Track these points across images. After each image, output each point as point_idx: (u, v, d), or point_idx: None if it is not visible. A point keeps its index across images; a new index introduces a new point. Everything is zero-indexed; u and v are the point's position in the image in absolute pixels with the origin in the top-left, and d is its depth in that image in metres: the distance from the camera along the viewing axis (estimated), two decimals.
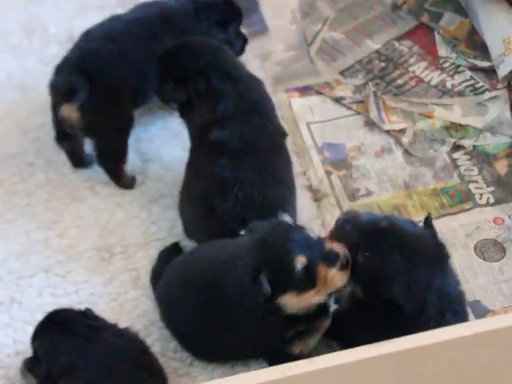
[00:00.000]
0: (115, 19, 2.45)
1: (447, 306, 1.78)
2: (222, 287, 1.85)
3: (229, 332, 1.89)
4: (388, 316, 1.75)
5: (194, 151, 2.19)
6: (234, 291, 1.83)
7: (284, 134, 2.23)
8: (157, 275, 2.12)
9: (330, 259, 1.74)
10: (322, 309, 1.82)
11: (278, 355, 1.83)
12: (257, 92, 2.24)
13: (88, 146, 2.38)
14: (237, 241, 1.90)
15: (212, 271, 1.90)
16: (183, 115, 2.22)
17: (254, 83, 2.25)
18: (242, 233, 1.90)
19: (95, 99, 2.27)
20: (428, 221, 1.83)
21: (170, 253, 2.17)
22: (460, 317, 1.81)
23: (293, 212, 2.13)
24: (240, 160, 2.10)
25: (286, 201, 2.14)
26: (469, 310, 1.93)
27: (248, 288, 1.76)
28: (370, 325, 1.77)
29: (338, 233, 1.78)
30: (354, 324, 1.82)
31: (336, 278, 1.74)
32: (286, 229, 1.79)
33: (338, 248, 1.74)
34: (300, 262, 1.73)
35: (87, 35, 2.40)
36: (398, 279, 1.72)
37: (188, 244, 2.20)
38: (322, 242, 1.76)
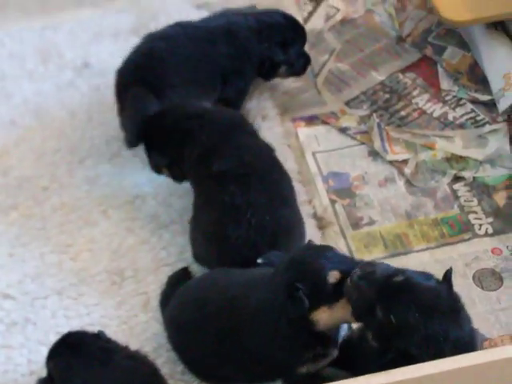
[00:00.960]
0: (179, 25, 2.55)
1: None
2: (241, 311, 1.91)
3: (242, 357, 1.94)
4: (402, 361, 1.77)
5: (198, 186, 2.26)
6: (257, 314, 1.88)
7: (274, 149, 2.32)
8: (166, 299, 2.17)
9: (363, 272, 1.80)
10: (333, 335, 1.90)
11: (287, 376, 1.91)
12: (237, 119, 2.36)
13: None
14: (253, 270, 1.98)
15: (228, 297, 1.95)
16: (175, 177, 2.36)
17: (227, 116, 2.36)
18: (259, 261, 1.96)
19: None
20: (447, 275, 1.85)
21: (179, 277, 2.22)
22: None
23: (303, 234, 2.21)
24: (247, 184, 2.17)
25: (295, 224, 2.21)
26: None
27: (282, 306, 1.83)
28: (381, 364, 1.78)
29: (354, 289, 1.80)
30: (366, 361, 1.85)
31: None
32: (318, 248, 1.90)
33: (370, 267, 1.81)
34: (334, 276, 1.80)
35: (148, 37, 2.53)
36: (414, 334, 1.75)
37: (197, 269, 2.26)
38: (353, 259, 1.87)
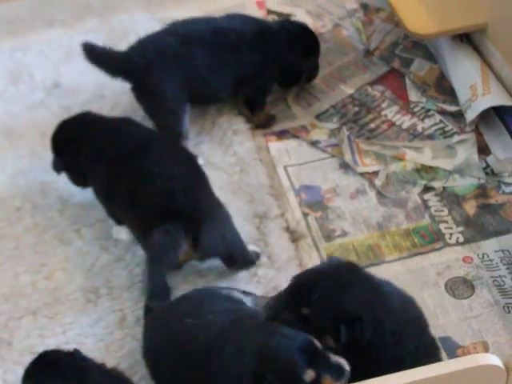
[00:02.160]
0: (204, 21, 2.60)
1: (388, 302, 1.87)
2: (211, 368, 1.86)
3: None
4: (359, 341, 1.82)
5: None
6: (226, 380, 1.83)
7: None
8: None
9: (338, 373, 1.74)
10: None
11: None
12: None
13: None
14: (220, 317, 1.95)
15: (199, 347, 1.90)
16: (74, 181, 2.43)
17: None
18: None
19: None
20: None
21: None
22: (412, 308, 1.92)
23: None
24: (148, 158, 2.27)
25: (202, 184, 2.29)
26: (440, 346, 1.98)
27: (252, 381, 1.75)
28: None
29: (274, 317, 1.86)
30: None
31: None
32: (291, 334, 1.77)
33: (341, 360, 1.76)
34: (309, 375, 1.72)
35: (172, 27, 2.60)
36: (341, 298, 1.83)
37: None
38: (327, 353, 1.76)
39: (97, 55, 2.50)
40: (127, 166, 2.27)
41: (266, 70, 2.62)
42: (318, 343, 1.76)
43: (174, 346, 1.97)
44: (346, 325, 1.80)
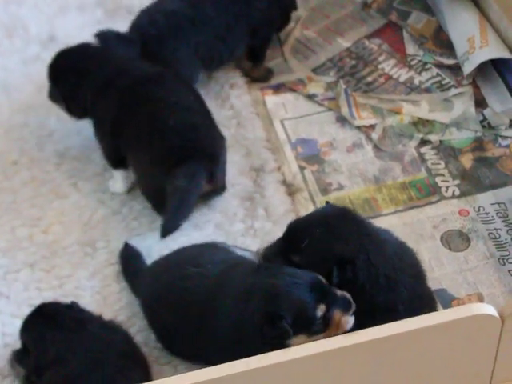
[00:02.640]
0: None
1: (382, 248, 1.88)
2: (215, 310, 1.89)
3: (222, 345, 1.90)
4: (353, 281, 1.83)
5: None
6: (234, 323, 1.84)
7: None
8: (129, 273, 2.20)
9: (346, 306, 1.78)
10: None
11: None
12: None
13: None
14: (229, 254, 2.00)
15: (202, 292, 1.93)
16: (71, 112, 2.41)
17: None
18: None
19: None
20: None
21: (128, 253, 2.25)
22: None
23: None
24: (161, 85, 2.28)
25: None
26: (436, 298, 2.01)
27: (264, 328, 1.77)
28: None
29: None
30: None
31: (347, 321, 1.77)
32: (297, 273, 1.81)
33: (348, 295, 1.79)
34: (321, 310, 1.76)
35: None
36: (331, 242, 1.83)
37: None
38: (333, 289, 1.79)
39: (112, 42, 2.45)
40: (141, 97, 2.25)
41: (273, 16, 2.60)
42: (323, 280, 1.79)
43: (175, 292, 1.98)
44: (338, 267, 1.81)
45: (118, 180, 2.37)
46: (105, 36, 2.45)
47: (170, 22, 2.47)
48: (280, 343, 1.74)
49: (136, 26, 2.50)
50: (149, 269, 2.15)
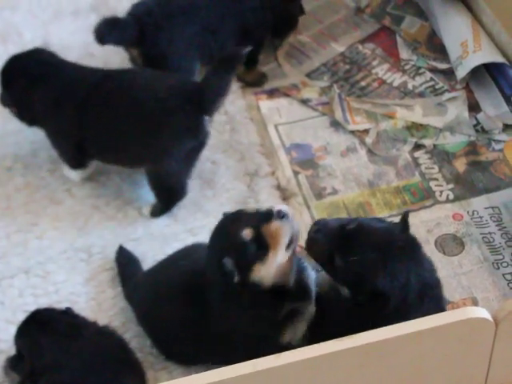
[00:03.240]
0: None
1: (426, 292, 1.83)
2: (205, 292, 1.92)
3: (220, 340, 1.93)
4: (374, 310, 1.80)
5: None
6: (214, 290, 1.89)
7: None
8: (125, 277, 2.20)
9: (267, 217, 1.82)
10: (302, 288, 1.90)
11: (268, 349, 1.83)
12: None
13: None
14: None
15: (188, 285, 1.97)
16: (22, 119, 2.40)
17: None
18: None
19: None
20: (404, 217, 1.88)
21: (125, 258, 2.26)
22: (437, 301, 1.87)
23: None
24: None
25: None
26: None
27: (222, 279, 1.83)
28: (355, 320, 1.80)
29: (312, 243, 1.85)
30: (340, 321, 1.87)
31: (279, 228, 1.81)
32: (229, 215, 1.89)
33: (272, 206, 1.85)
34: (246, 235, 1.81)
35: None
36: (379, 273, 1.78)
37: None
38: (259, 210, 1.85)
39: (109, 36, 2.42)
40: (103, 97, 2.28)
41: (265, 19, 2.60)
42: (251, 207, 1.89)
43: (169, 291, 2.00)
44: (369, 298, 1.78)
45: (71, 175, 2.41)
46: (101, 33, 2.43)
47: (163, 11, 2.46)
48: (246, 283, 1.80)
49: (132, 13, 2.48)
50: (142, 275, 2.15)
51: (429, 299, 1.84)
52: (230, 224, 1.86)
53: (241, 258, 1.81)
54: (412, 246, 1.86)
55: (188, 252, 2.10)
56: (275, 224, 1.81)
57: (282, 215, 1.81)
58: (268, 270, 1.81)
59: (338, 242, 1.82)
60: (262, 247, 1.81)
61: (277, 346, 1.85)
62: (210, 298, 1.91)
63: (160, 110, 2.23)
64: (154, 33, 2.44)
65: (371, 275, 1.78)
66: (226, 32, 2.53)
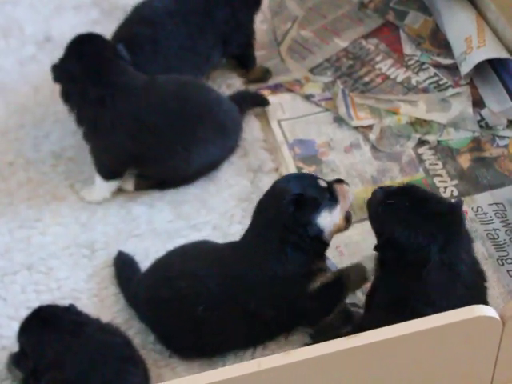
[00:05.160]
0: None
1: (453, 266, 1.84)
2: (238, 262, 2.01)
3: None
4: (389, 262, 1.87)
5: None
6: (264, 233, 1.98)
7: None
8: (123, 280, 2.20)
9: (337, 180, 2.06)
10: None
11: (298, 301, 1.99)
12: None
13: None
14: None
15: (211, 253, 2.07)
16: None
17: None
18: None
19: None
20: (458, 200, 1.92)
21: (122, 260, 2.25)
22: (465, 281, 1.86)
23: None
24: None
25: None
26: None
27: (294, 213, 1.94)
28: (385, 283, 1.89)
29: (373, 196, 1.96)
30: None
31: (348, 191, 2.03)
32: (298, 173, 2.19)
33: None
34: (322, 182, 2.01)
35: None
36: (401, 223, 1.84)
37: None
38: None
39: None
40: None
41: (241, 22, 2.57)
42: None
43: (179, 288, 2.02)
44: (384, 244, 1.86)
45: (103, 189, 2.37)
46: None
47: (133, 44, 2.44)
48: (310, 224, 1.94)
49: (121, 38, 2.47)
50: (146, 272, 2.14)
51: (455, 274, 1.84)
52: (304, 174, 2.13)
53: (315, 199, 1.96)
54: (451, 221, 1.86)
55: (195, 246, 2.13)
56: (346, 186, 2.04)
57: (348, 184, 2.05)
58: (331, 221, 1.98)
59: (386, 194, 1.91)
60: (332, 199, 2.00)
61: (302, 295, 1.97)
62: (248, 250, 2.01)
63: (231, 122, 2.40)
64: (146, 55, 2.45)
65: (395, 222, 1.85)
66: (205, 45, 2.52)
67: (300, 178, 2.05)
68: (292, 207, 1.94)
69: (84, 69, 2.30)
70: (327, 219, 1.98)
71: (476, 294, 1.88)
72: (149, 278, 2.11)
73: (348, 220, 2.03)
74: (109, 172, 2.36)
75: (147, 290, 2.08)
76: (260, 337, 2.06)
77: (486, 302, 1.87)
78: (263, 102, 2.56)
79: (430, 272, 1.82)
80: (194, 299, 1.99)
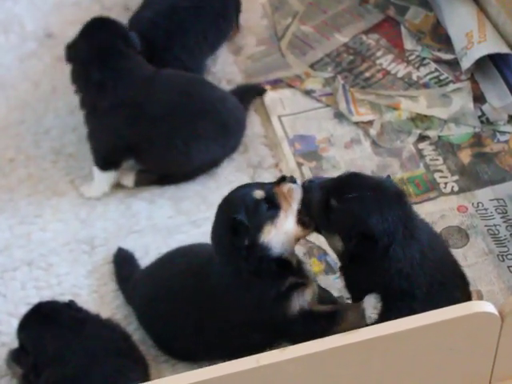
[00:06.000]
0: None
1: (415, 235, 1.83)
2: (209, 274, 1.90)
3: (225, 326, 1.91)
4: (362, 257, 1.81)
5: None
6: (221, 261, 1.87)
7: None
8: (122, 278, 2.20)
9: (279, 181, 1.86)
10: (303, 271, 1.89)
11: (280, 326, 1.85)
12: None
13: None
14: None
15: (194, 267, 1.97)
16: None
17: None
18: None
19: None
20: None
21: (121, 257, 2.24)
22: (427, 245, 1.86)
23: None
24: None
25: None
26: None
27: (232, 240, 1.80)
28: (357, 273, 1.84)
29: (307, 191, 1.85)
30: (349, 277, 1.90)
31: (292, 189, 1.83)
32: (238, 187, 1.90)
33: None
34: (258, 194, 1.81)
35: None
36: (373, 213, 1.79)
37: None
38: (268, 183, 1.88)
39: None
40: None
41: None
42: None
43: (171, 290, 1.99)
44: (360, 239, 1.78)
45: (101, 182, 2.36)
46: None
47: (169, 19, 2.49)
48: (255, 246, 1.78)
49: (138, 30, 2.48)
50: (141, 275, 2.14)
51: (416, 243, 1.83)
52: (241, 188, 1.87)
53: (251, 216, 1.78)
54: (401, 195, 1.86)
55: (185, 250, 2.10)
56: (288, 185, 1.83)
57: (293, 180, 1.85)
58: (278, 233, 1.80)
59: (332, 185, 1.84)
60: (273, 207, 1.80)
61: (283, 318, 1.83)
62: (215, 277, 1.88)
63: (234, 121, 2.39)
64: (165, 41, 2.47)
65: (365, 214, 1.78)
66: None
67: (231, 199, 1.86)
68: (228, 235, 1.81)
69: (91, 51, 2.32)
70: (271, 233, 1.79)
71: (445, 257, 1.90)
72: (143, 281, 2.10)
73: (304, 223, 1.84)
74: (105, 161, 2.35)
75: (140, 292, 2.08)
76: (252, 349, 1.83)
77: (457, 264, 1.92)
78: (260, 91, 2.57)
79: (395, 249, 1.80)
80: (183, 306, 1.97)
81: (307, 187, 1.86)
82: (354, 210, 1.79)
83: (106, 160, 2.35)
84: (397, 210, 1.82)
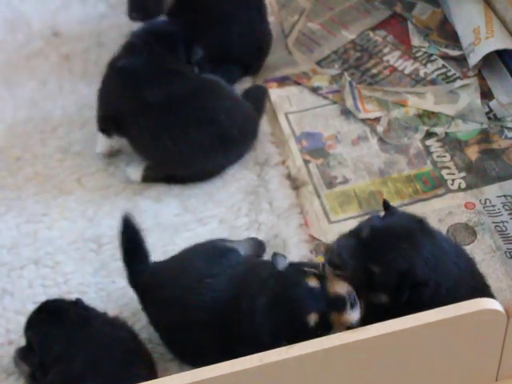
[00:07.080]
0: None
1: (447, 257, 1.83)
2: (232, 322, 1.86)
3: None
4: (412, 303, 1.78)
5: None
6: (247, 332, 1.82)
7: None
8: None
9: (339, 306, 1.74)
10: None
11: None
12: None
13: None
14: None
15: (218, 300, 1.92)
16: None
17: None
18: None
19: None
20: (385, 203, 1.90)
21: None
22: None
23: None
24: None
25: None
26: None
27: (267, 340, 1.74)
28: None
29: (341, 266, 1.80)
30: None
31: (348, 318, 1.74)
32: (293, 283, 1.77)
33: (341, 288, 1.75)
34: (312, 319, 1.73)
35: None
36: (416, 261, 1.77)
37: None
38: (325, 289, 1.75)
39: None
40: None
41: None
42: (313, 283, 1.76)
43: (187, 309, 1.96)
44: (412, 288, 1.76)
45: (100, 140, 2.42)
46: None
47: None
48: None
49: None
50: (152, 277, 2.07)
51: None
52: (295, 297, 1.75)
53: (298, 335, 1.70)
54: (423, 227, 1.84)
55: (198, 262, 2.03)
56: (347, 316, 1.73)
57: (353, 302, 1.74)
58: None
59: (363, 252, 1.79)
60: (324, 329, 1.73)
61: None
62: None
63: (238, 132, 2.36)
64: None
65: (410, 266, 1.76)
66: None
67: (280, 302, 1.76)
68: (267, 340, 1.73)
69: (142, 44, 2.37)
70: None
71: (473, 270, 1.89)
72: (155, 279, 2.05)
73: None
74: (98, 122, 2.39)
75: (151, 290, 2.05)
76: None
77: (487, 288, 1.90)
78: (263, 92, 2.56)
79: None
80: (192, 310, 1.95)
81: (338, 264, 1.80)
82: (398, 268, 1.77)
83: (98, 122, 2.39)
84: (430, 246, 1.80)
